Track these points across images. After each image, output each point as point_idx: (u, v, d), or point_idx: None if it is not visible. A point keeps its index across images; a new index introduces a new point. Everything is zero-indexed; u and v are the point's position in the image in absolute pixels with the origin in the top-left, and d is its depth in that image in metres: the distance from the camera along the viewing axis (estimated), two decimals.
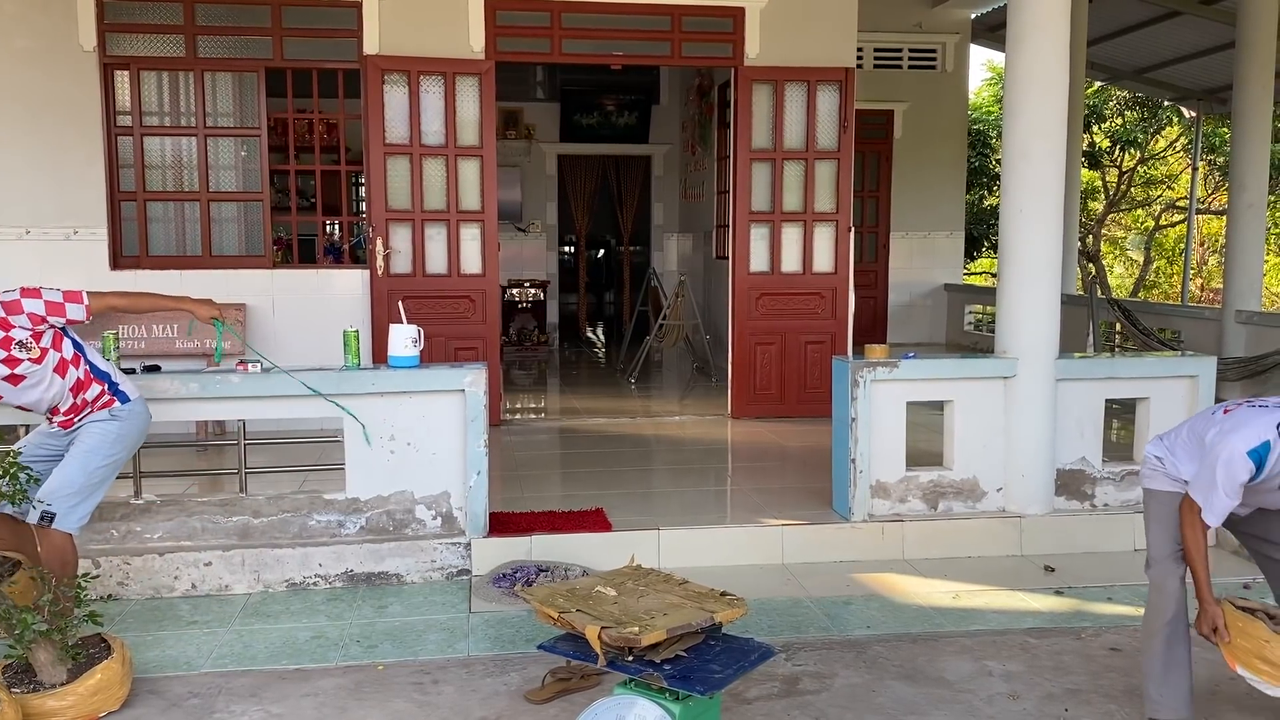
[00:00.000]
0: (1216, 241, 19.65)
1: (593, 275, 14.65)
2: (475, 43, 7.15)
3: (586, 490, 5.77)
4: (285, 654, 4.07)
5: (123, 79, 7.02)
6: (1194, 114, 14.84)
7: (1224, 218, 18.45)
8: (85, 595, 3.73)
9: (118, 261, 7.01)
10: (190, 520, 4.82)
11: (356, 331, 4.98)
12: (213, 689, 3.77)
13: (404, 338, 4.87)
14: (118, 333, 4.98)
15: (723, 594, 2.98)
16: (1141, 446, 5.55)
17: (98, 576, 4.53)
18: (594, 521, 5.18)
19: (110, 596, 4.58)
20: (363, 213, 8.18)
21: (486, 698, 3.69)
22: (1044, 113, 5.15)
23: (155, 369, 4.92)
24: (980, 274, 17.32)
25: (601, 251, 15.17)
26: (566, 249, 14.15)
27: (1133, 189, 19.11)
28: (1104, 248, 19.99)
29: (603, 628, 2.64)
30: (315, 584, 4.79)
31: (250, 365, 4.78)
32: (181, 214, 7.29)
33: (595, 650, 2.68)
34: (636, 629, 2.62)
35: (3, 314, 3.70)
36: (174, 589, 4.69)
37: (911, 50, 11.83)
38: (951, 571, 5.00)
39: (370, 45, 7.03)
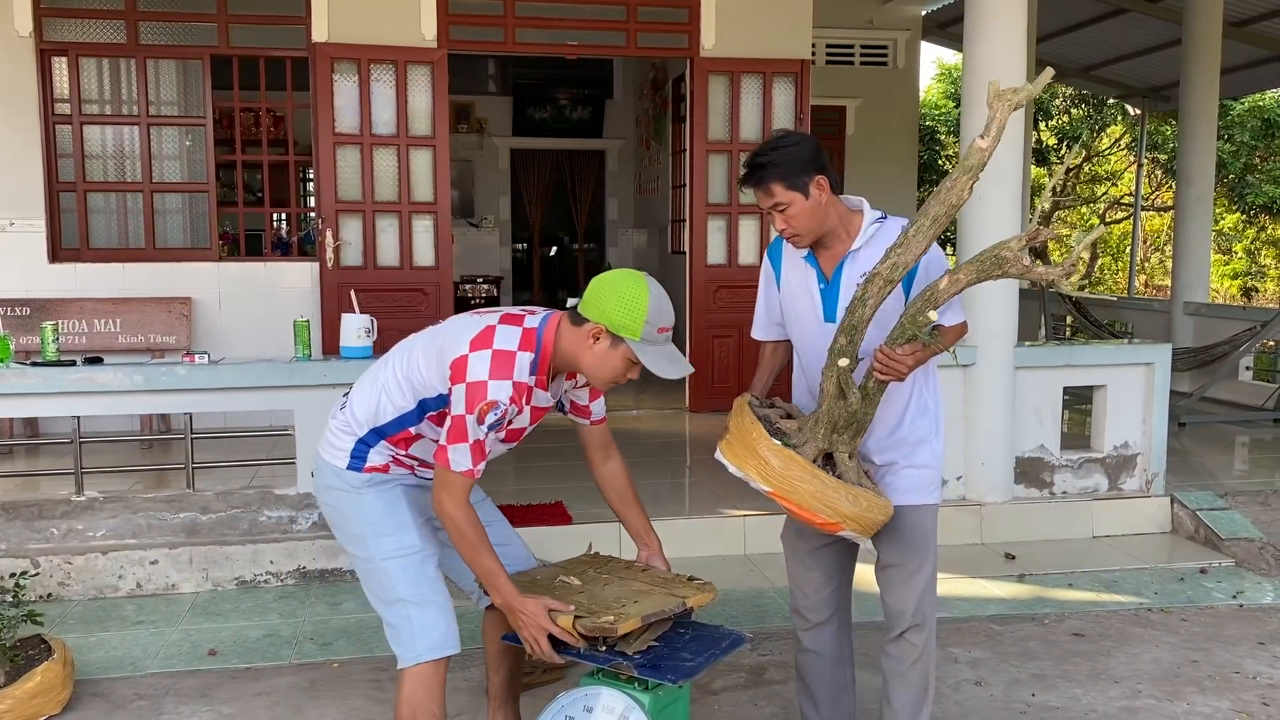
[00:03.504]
0: (1158, 238, 20.02)
1: (546, 272, 14.52)
2: (427, 31, 7.01)
3: (544, 484, 5.67)
4: (236, 653, 3.94)
5: (60, 66, 6.77)
6: (1138, 111, 15.10)
7: (1165, 215, 18.85)
8: (24, 595, 3.58)
9: (57, 254, 6.77)
10: (135, 517, 4.65)
11: (307, 321, 4.86)
12: (160, 690, 3.64)
13: (356, 328, 4.74)
14: (57, 325, 4.79)
15: (690, 579, 2.90)
16: (1100, 434, 5.59)
17: (37, 575, 4.36)
18: (553, 515, 5.09)
19: (50, 595, 4.41)
20: (311, 207, 8.00)
21: (447, 694, 3.58)
22: None
23: (97, 361, 4.74)
24: None
25: (555, 248, 15.05)
26: (520, 245, 14.01)
27: (1078, 186, 19.42)
28: (1050, 244, 20.29)
29: (576, 618, 2.55)
30: (267, 581, 4.65)
31: (197, 356, 4.63)
32: (124, 205, 7.07)
33: (571, 642, 2.58)
34: (612, 618, 2.53)
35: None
36: (118, 589, 4.53)
37: (863, 47, 11.85)
38: None
39: (319, 33, 6.85)
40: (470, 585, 2.91)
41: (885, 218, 2.75)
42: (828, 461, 2.59)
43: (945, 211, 2.40)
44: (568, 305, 2.67)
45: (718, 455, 2.62)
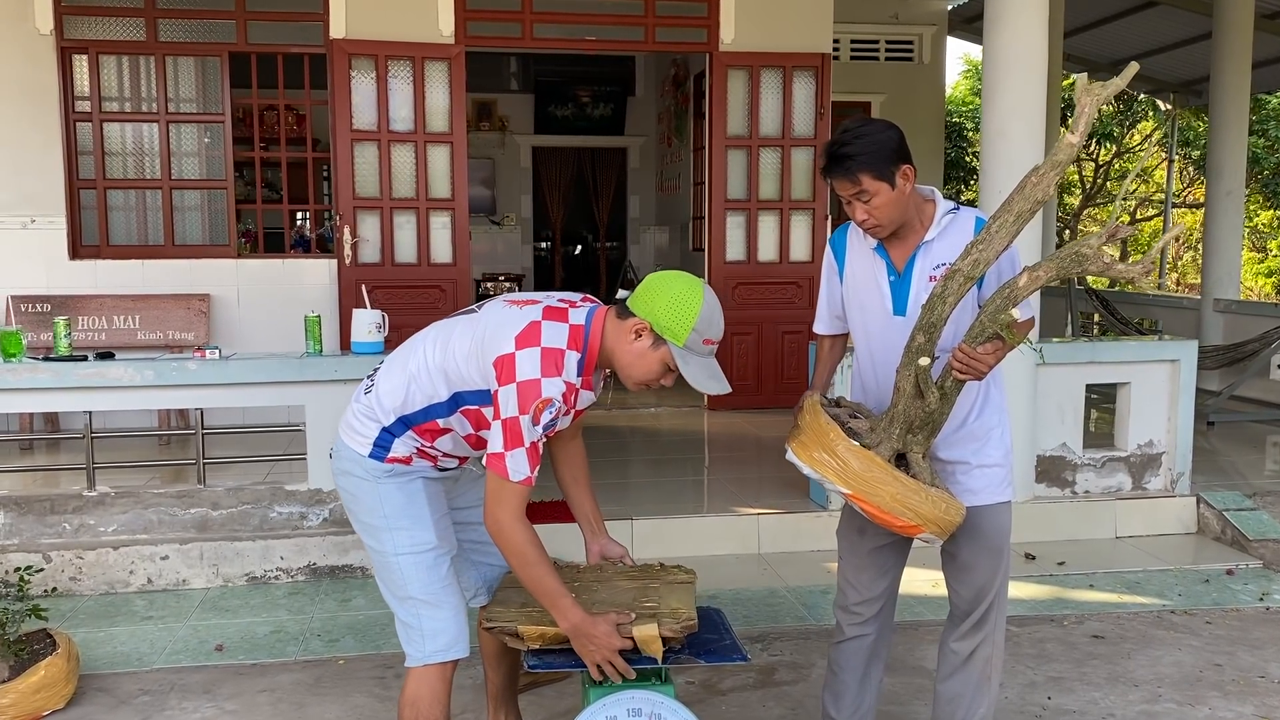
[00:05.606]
0: (1190, 235, 19.72)
1: (568, 270, 14.50)
2: (445, 27, 6.99)
3: (546, 480, 5.61)
4: (243, 649, 3.92)
5: (81, 63, 6.81)
6: (1169, 107, 14.88)
7: (1198, 212, 18.55)
8: (29, 589, 3.58)
9: (77, 251, 6.81)
10: (146, 513, 4.66)
11: (318, 317, 4.84)
12: (165, 685, 3.62)
13: (367, 323, 4.71)
14: (70, 320, 4.79)
15: (661, 566, 2.86)
16: (1123, 432, 5.48)
17: (43, 571, 4.37)
18: (567, 512, 5.01)
19: (55, 590, 4.41)
20: (330, 204, 8.01)
21: (452, 691, 3.54)
22: (1023, 92, 5.05)
23: (109, 356, 4.75)
24: None
25: (578, 247, 15.03)
26: (542, 244, 14.00)
27: (1108, 183, 19.15)
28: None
29: (660, 622, 2.45)
30: (277, 577, 4.64)
31: (207, 351, 4.62)
32: (143, 202, 7.09)
33: (654, 652, 2.43)
34: (688, 614, 2.48)
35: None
36: (129, 584, 4.53)
37: (888, 42, 11.73)
38: (929, 559, 4.82)
39: (337, 29, 6.85)
40: (469, 587, 2.84)
41: (958, 208, 2.67)
42: (900, 461, 2.54)
43: (1030, 207, 2.35)
44: (617, 298, 2.58)
45: (789, 455, 2.57)
